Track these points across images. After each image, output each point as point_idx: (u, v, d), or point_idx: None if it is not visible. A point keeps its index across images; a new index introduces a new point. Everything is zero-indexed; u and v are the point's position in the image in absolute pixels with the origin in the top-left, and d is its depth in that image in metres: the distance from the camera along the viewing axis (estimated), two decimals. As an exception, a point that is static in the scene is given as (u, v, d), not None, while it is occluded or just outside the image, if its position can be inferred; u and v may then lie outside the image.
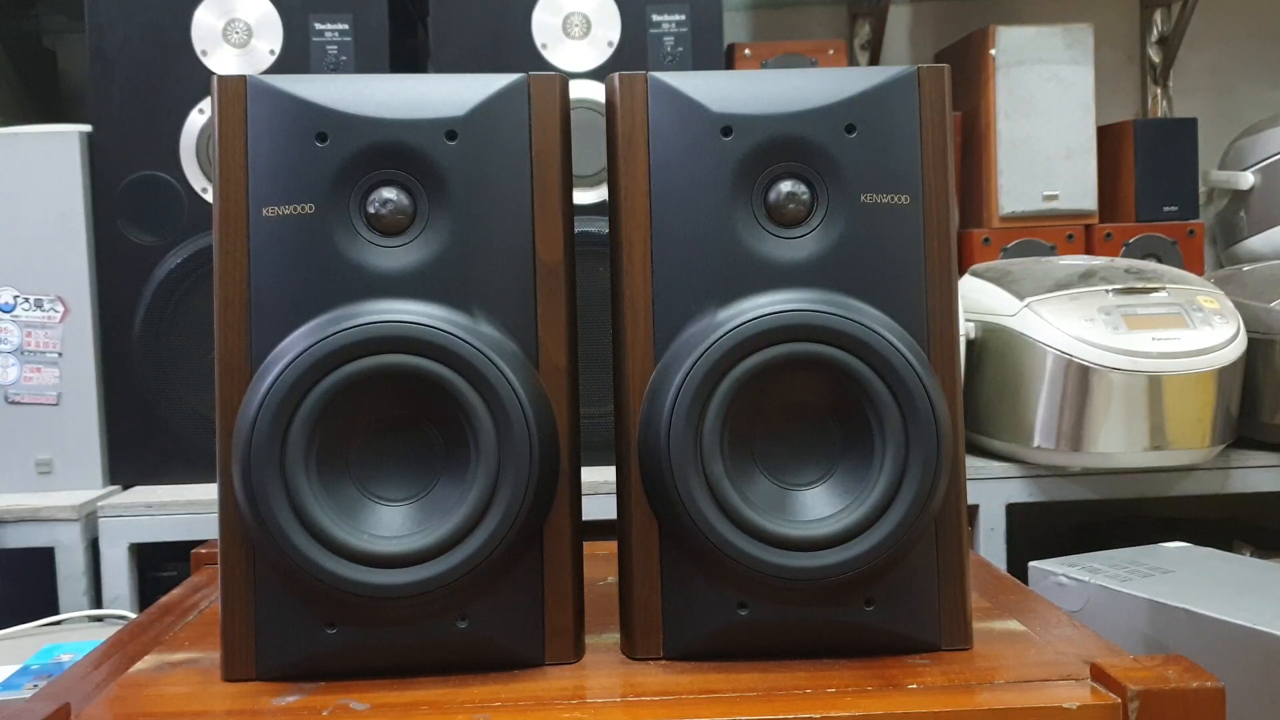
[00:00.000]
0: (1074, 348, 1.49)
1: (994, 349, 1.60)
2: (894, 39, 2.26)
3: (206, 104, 1.61)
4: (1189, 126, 2.00)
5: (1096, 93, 1.94)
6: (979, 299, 1.65)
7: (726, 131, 0.72)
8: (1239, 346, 1.52)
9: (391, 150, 0.71)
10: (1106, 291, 1.55)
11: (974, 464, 1.60)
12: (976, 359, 1.63)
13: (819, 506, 0.71)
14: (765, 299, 0.70)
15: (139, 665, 0.74)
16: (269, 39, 1.64)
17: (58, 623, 1.47)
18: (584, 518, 0.74)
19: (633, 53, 1.65)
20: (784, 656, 0.71)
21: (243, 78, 0.71)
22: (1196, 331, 1.50)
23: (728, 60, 1.91)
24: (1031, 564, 1.13)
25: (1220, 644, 0.93)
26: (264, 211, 0.71)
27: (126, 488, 1.65)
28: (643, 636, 0.72)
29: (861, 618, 0.71)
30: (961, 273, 1.75)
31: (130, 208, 1.63)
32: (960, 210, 2.03)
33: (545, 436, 0.69)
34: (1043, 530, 1.83)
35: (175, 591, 0.93)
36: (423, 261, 0.71)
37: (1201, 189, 2.02)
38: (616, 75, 0.73)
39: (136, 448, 1.64)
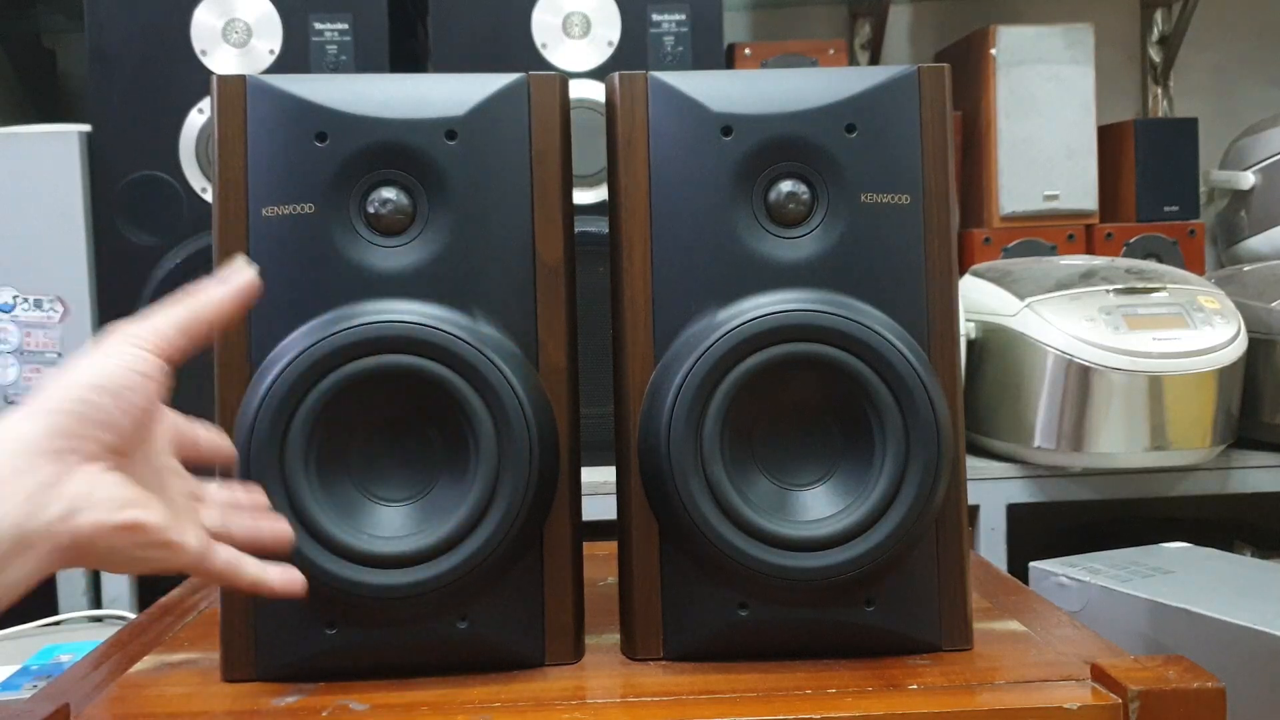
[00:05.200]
0: (1074, 348, 1.49)
1: (994, 349, 1.60)
2: (894, 39, 2.26)
3: (206, 104, 1.60)
4: (1190, 126, 2.00)
5: (1097, 92, 1.93)
6: (979, 299, 1.65)
7: (726, 131, 0.72)
8: (1239, 347, 1.52)
9: (391, 150, 0.71)
10: (1107, 291, 1.55)
11: (974, 464, 1.60)
12: (977, 359, 1.63)
13: (819, 507, 0.71)
14: (765, 299, 0.70)
15: (139, 665, 0.74)
16: (269, 39, 1.64)
17: (58, 623, 1.47)
18: (584, 518, 0.74)
19: (633, 52, 1.65)
20: (784, 657, 0.71)
21: (242, 77, 0.71)
22: (1197, 331, 1.50)
23: (728, 60, 1.91)
24: (1032, 564, 1.13)
25: (1220, 644, 0.93)
26: (264, 211, 0.71)
27: (126, 488, 1.64)
28: (643, 637, 0.72)
29: (862, 618, 0.71)
30: (962, 273, 1.75)
31: (130, 208, 1.62)
32: (961, 210, 2.03)
33: (545, 436, 0.69)
34: (1043, 530, 1.82)
35: (175, 592, 0.93)
36: (423, 261, 0.71)
37: (1202, 189, 2.01)
38: (616, 75, 0.73)
39: (136, 448, 1.64)
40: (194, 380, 1.66)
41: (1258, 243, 2.01)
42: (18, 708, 0.64)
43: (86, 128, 1.64)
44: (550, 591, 0.71)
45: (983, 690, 0.66)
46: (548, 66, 1.63)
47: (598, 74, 1.64)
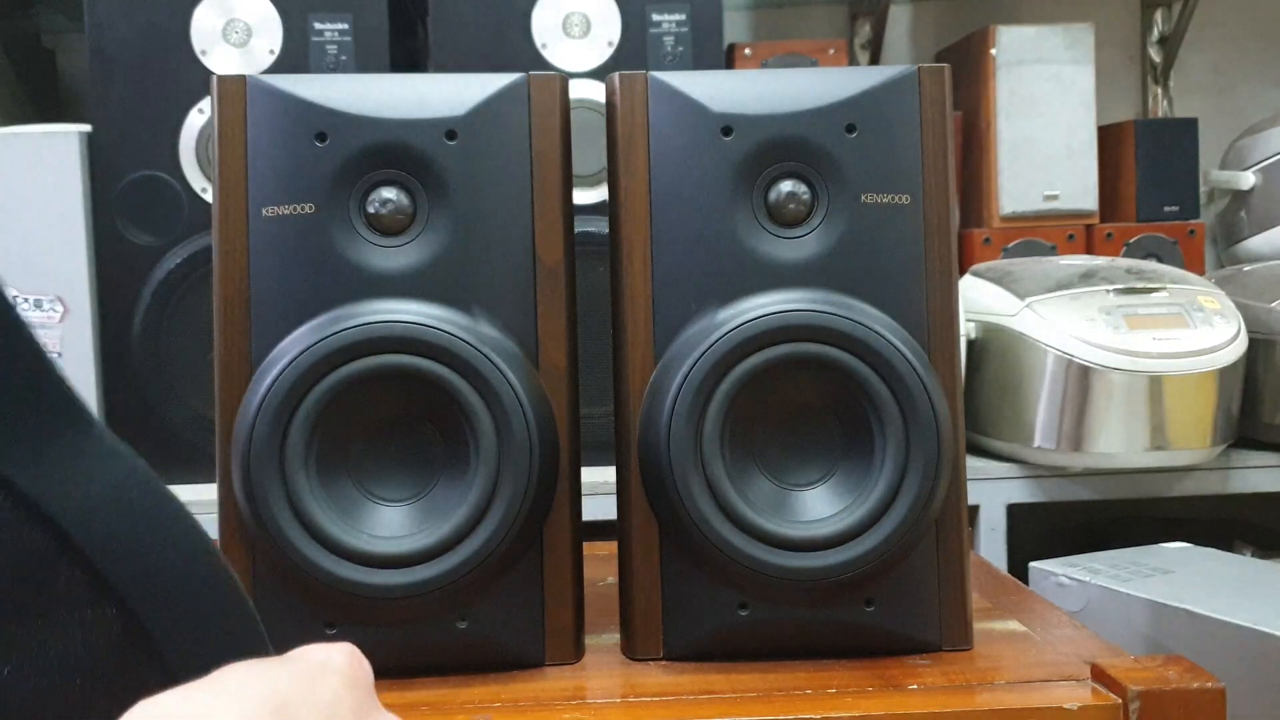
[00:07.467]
0: (1075, 348, 1.49)
1: (994, 349, 1.59)
2: (894, 39, 2.26)
3: (206, 104, 1.60)
4: (1189, 126, 2.00)
5: (1097, 92, 1.93)
6: (979, 299, 1.64)
7: (726, 131, 0.72)
8: (1240, 347, 1.52)
9: (391, 150, 0.71)
10: (1107, 291, 1.55)
11: (974, 464, 1.60)
12: (977, 359, 1.63)
13: (819, 507, 0.71)
14: (765, 299, 0.70)
15: (139, 665, 0.74)
16: (269, 39, 1.64)
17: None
18: (584, 518, 0.74)
19: (633, 53, 1.65)
20: (784, 657, 0.71)
21: (242, 77, 0.71)
22: (1197, 331, 1.50)
23: (728, 60, 1.91)
24: (1032, 564, 1.13)
25: (1220, 644, 0.93)
26: (264, 211, 0.71)
27: (126, 488, 1.64)
28: (643, 636, 0.72)
29: (862, 618, 0.71)
30: (962, 273, 1.75)
31: (130, 208, 1.62)
32: (961, 210, 2.03)
33: (545, 436, 0.69)
34: (1043, 530, 1.82)
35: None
36: (422, 261, 0.71)
37: (1202, 189, 2.01)
38: (616, 75, 0.73)
39: (136, 448, 1.63)
40: (195, 379, 1.66)
41: (1258, 243, 2.01)
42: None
43: (86, 128, 1.63)
44: (550, 591, 0.71)
45: (983, 690, 0.66)
46: (548, 66, 1.63)
47: (598, 74, 1.64)
